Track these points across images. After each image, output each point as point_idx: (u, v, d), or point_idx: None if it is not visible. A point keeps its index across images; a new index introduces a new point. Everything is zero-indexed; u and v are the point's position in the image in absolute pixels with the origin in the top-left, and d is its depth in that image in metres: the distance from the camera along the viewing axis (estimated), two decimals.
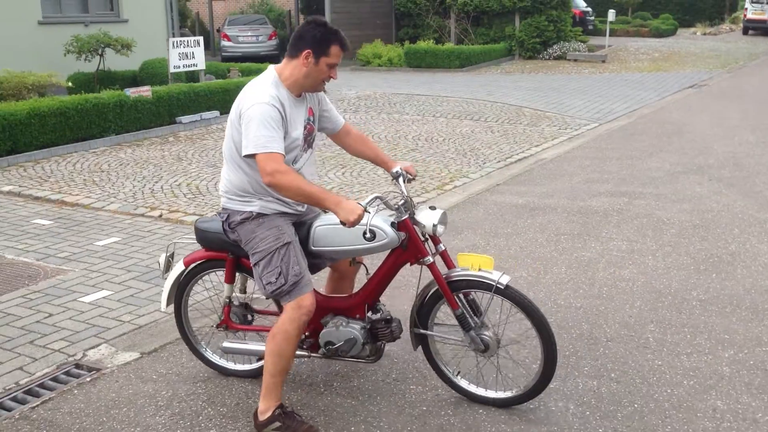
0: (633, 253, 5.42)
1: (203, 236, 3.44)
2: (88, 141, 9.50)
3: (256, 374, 3.60)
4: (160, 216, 6.53)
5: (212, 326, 3.74)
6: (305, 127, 3.22)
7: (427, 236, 3.24)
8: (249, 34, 22.24)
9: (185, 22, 27.04)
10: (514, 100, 13.63)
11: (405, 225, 3.17)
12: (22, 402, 3.50)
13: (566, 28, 21.95)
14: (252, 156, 2.98)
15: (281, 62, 3.20)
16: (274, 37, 22.57)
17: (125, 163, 8.58)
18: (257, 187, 3.15)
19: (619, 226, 6.09)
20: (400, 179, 3.27)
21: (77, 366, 3.85)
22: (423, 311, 3.35)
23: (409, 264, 3.26)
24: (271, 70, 3.19)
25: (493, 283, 3.14)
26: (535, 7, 21.09)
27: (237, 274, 3.50)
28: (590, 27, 27.60)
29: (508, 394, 3.35)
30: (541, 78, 17.40)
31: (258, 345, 3.53)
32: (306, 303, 3.10)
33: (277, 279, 3.08)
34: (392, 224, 3.15)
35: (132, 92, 10.24)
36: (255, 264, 3.16)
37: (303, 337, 3.34)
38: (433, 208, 3.27)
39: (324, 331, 3.33)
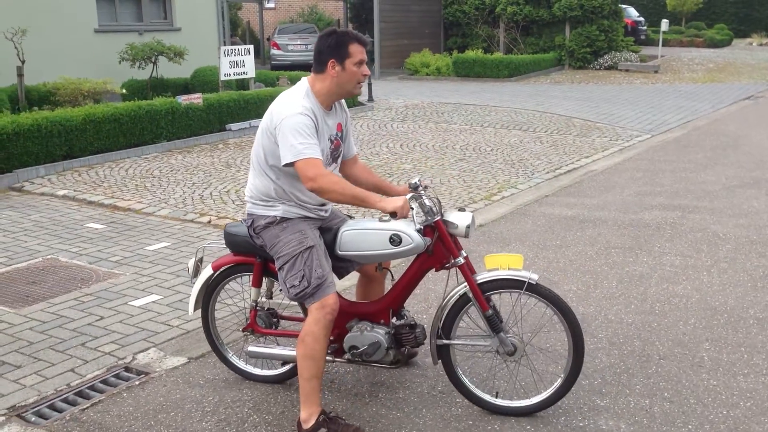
0: (687, 269, 5.27)
1: (232, 240, 3.50)
2: (141, 147, 9.68)
3: (280, 379, 3.68)
4: (209, 222, 6.60)
5: (239, 330, 3.78)
6: (332, 141, 3.30)
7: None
8: (298, 42, 22.48)
9: (236, 31, 27.51)
10: (564, 110, 13.47)
11: (437, 226, 3.18)
12: (73, 404, 3.55)
13: (618, 38, 21.65)
14: (291, 164, 3.05)
15: (305, 78, 3.30)
16: None
17: (176, 169, 8.72)
18: (281, 193, 3.24)
19: (672, 241, 5.94)
20: (419, 189, 3.22)
21: (127, 369, 3.90)
22: (447, 320, 3.32)
23: (434, 270, 3.29)
24: (304, 82, 3.27)
25: (525, 280, 3.14)
26: (586, 17, 20.85)
27: (264, 278, 3.54)
28: (642, 37, 27.17)
29: (534, 400, 3.33)
30: (591, 88, 17.17)
31: (283, 349, 3.57)
32: (329, 302, 3.14)
33: (300, 282, 3.13)
34: (418, 230, 3.15)
35: (183, 99, 10.42)
36: (279, 268, 3.22)
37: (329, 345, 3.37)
38: (461, 209, 3.28)
39: (348, 335, 3.35)
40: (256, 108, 11.36)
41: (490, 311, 3.22)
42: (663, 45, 23.78)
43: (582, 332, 3.21)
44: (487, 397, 3.38)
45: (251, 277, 3.53)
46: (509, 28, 22.16)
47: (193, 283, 3.68)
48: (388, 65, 21.13)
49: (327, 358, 3.36)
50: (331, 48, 3.18)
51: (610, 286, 4.97)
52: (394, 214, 3.08)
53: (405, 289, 3.34)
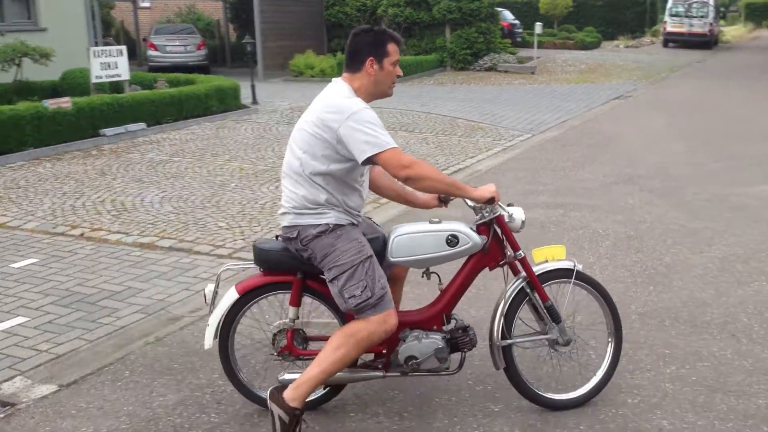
0: None
1: (266, 257, 3.22)
2: (4, 155, 8.99)
3: (318, 404, 3.38)
4: (82, 235, 6.17)
5: (271, 356, 3.39)
6: None
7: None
8: (177, 43, 21.71)
9: (109, 31, 26.25)
10: (448, 111, 13.65)
11: (498, 222, 3.19)
12: None
13: (496, 40, 22.25)
14: (372, 158, 2.93)
15: (339, 79, 3.16)
16: (203, 47, 22.09)
17: (44, 179, 8.14)
18: (331, 199, 3.08)
19: (556, 239, 6.05)
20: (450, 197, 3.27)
21: None
22: (508, 318, 3.27)
23: (488, 269, 3.27)
24: (340, 83, 3.13)
25: (573, 269, 3.27)
26: (465, 20, 21.30)
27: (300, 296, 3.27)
28: (519, 39, 28.09)
29: (582, 390, 3.41)
30: (473, 89, 17.53)
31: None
32: (392, 321, 3.05)
33: (362, 292, 2.99)
34: (472, 228, 3.17)
35: (50, 104, 9.77)
36: (334, 278, 3.03)
37: (373, 356, 3.27)
38: (510, 204, 3.28)
39: (404, 346, 3.18)
40: (132, 112, 10.82)
41: (550, 302, 3.27)
42: (538, 47, 24.67)
43: (621, 321, 3.39)
44: (550, 395, 3.40)
45: (288, 296, 3.25)
46: (391, 29, 22.30)
47: (212, 311, 3.27)
48: (271, 67, 20.76)
49: (376, 374, 3.26)
50: (369, 46, 3.11)
51: (496, 290, 4.99)
52: (491, 201, 3.06)
53: (458, 292, 3.26)
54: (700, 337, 4.17)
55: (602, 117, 13.26)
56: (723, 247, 5.73)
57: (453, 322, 3.26)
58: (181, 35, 22.32)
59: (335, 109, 3.00)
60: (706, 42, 30.37)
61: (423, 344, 3.16)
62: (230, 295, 3.23)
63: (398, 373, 3.26)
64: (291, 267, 3.19)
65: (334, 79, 3.17)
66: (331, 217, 3.07)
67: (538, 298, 3.28)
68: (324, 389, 3.33)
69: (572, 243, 5.92)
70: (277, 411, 2.98)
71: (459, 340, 3.23)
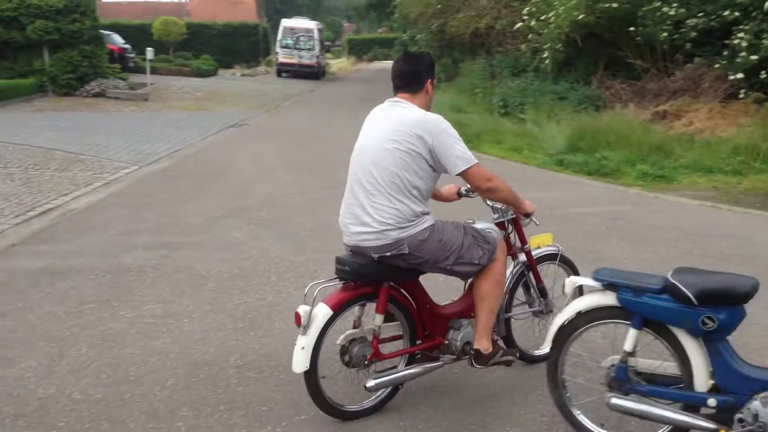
0: (168, 318, 4.83)
1: (363, 271, 3.38)
2: None
3: (382, 405, 3.63)
4: None
5: (367, 362, 3.46)
6: None
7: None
8: None
9: None
10: (44, 141, 12.15)
11: (513, 220, 3.92)
12: None
13: (103, 64, 20.77)
14: (464, 171, 3.32)
15: (399, 99, 3.47)
16: None
17: None
18: (425, 207, 3.39)
19: (154, 286, 5.46)
20: (474, 192, 3.81)
21: None
22: (509, 297, 3.99)
23: None
24: (407, 103, 3.44)
25: (558, 253, 4.14)
26: (66, 41, 19.48)
27: (361, 306, 3.52)
28: (131, 64, 26.73)
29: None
30: (78, 117, 16.01)
31: (405, 370, 3.55)
32: (503, 245, 3.70)
33: (483, 250, 3.49)
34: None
35: None
36: (456, 262, 3.43)
37: (429, 349, 3.64)
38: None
39: (461, 334, 3.63)
40: None
41: (543, 284, 4.09)
42: (152, 73, 23.70)
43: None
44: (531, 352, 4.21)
45: (375, 305, 3.44)
46: None
47: (306, 334, 3.29)
48: None
49: (437, 363, 3.64)
50: (428, 68, 3.54)
51: (79, 354, 4.23)
52: (530, 214, 3.81)
53: None
54: (299, 385, 3.91)
55: (216, 146, 13.00)
56: None
57: None
58: None
59: (426, 124, 3.32)
60: (315, 73, 32.46)
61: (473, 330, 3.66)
62: (324, 312, 3.33)
63: (452, 360, 3.67)
64: (383, 276, 3.42)
65: (391, 101, 3.48)
66: (429, 220, 3.40)
67: (533, 279, 4.04)
68: (388, 390, 3.57)
69: (172, 290, 5.37)
70: (496, 359, 3.57)
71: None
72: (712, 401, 3.00)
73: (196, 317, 4.85)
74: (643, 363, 3.22)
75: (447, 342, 3.64)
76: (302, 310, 3.30)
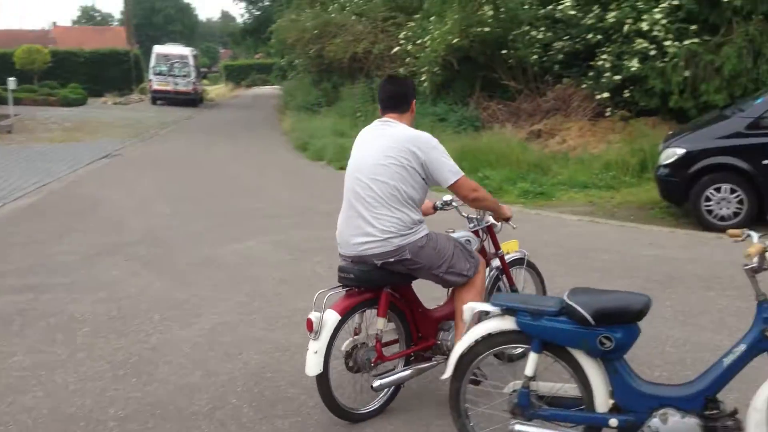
0: (38, 369, 4.41)
1: (367, 278, 3.63)
2: None
3: (386, 406, 3.86)
4: None
5: (372, 365, 3.72)
6: None
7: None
8: None
9: None
10: None
11: (488, 229, 4.20)
12: None
13: None
14: (454, 183, 3.66)
15: (388, 119, 3.76)
16: None
17: None
18: (420, 216, 3.73)
19: (22, 334, 5.00)
20: (448, 205, 4.23)
21: None
22: (487, 296, 3.99)
23: None
24: (396, 122, 3.73)
25: (524, 257, 4.41)
26: None
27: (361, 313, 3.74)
28: None
29: None
30: None
31: (405, 371, 3.81)
32: (481, 260, 3.94)
33: (470, 263, 3.80)
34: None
35: None
36: (447, 271, 3.72)
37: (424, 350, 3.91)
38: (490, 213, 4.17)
39: (451, 334, 3.89)
40: None
41: (515, 286, 4.34)
42: (16, 104, 22.30)
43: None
44: None
45: (376, 310, 3.71)
46: None
47: (317, 339, 3.51)
48: None
49: (432, 363, 3.90)
50: (412, 90, 3.90)
51: None
52: (508, 219, 4.07)
53: None
54: None
55: (88, 179, 12.31)
56: (212, 317, 5.39)
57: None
58: None
59: (418, 141, 3.62)
60: (192, 100, 31.63)
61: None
62: (333, 318, 3.54)
63: (444, 359, 3.78)
64: (387, 281, 3.70)
65: (381, 121, 3.76)
66: (424, 230, 3.69)
67: (506, 282, 4.27)
68: (391, 390, 3.84)
69: (43, 337, 4.93)
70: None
71: None
72: (613, 421, 3.00)
73: (70, 366, 4.46)
74: (545, 386, 3.19)
75: (439, 343, 3.93)
76: (314, 316, 3.54)
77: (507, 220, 4.09)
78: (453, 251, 3.74)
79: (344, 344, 3.68)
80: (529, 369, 3.10)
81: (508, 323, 3.16)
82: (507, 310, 3.15)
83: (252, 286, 6.12)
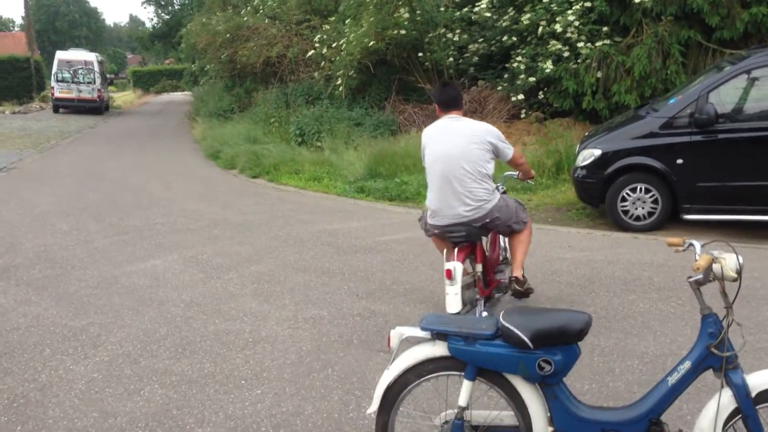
0: None
1: (469, 233, 4.83)
2: None
3: None
4: None
5: (477, 299, 4.93)
6: None
7: None
8: None
9: None
10: None
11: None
12: None
13: None
14: (512, 157, 4.98)
15: (456, 115, 4.96)
16: None
17: None
18: (494, 184, 5.02)
19: None
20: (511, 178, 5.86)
21: None
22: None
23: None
24: (464, 118, 4.96)
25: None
26: None
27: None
28: None
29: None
30: None
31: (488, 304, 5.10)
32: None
33: (525, 213, 5.17)
34: None
35: None
36: (516, 221, 5.04)
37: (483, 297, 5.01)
38: None
39: (506, 273, 5.38)
40: None
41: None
42: None
43: None
44: None
45: (475, 257, 4.98)
46: None
47: (453, 284, 4.63)
48: None
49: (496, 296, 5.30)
50: (461, 92, 5.47)
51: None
52: (532, 177, 5.55)
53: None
54: None
55: None
56: (111, 347, 4.89)
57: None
58: None
59: (492, 131, 4.87)
60: (97, 107, 30.28)
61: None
62: (459, 267, 4.71)
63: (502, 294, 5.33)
64: (475, 239, 4.95)
65: (450, 117, 4.92)
66: (498, 194, 5.00)
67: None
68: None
69: None
70: (526, 286, 5.11)
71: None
72: None
73: None
74: (479, 415, 2.92)
75: (501, 281, 5.32)
76: (451, 265, 4.63)
77: (532, 178, 5.49)
78: (515, 206, 5.07)
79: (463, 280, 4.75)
80: (462, 398, 2.83)
81: (439, 349, 2.87)
82: (437, 335, 2.86)
83: (157, 310, 5.64)
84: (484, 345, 2.77)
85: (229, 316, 5.47)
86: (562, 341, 2.72)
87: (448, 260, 4.76)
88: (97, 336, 5.07)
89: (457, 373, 2.88)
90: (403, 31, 13.76)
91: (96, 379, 4.38)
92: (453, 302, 4.60)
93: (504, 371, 2.79)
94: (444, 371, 2.93)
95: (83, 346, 4.91)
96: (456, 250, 4.79)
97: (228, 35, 19.94)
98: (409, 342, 2.99)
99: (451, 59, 13.75)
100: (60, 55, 30.99)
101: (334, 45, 15.13)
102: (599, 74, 11.47)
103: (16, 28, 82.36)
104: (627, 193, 8.15)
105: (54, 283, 6.40)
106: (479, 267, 4.97)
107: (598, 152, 8.32)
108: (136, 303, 5.82)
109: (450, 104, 4.92)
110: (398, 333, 2.96)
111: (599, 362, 4.51)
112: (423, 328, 2.89)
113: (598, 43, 11.62)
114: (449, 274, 4.62)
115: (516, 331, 2.70)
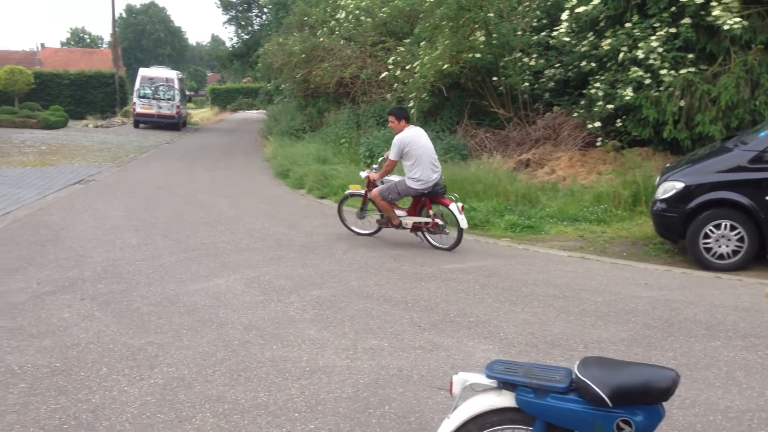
0: None
1: (433, 191, 8.45)
2: None
3: None
4: None
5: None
6: None
7: None
8: None
9: None
10: None
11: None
12: None
13: None
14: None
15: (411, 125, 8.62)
16: None
17: None
18: None
19: None
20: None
21: None
22: None
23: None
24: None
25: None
26: None
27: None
28: None
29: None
30: None
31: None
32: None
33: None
34: None
35: None
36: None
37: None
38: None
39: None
40: None
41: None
42: None
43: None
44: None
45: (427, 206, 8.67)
46: None
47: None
48: None
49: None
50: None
51: None
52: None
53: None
54: None
55: (56, 205, 11.70)
56: (167, 369, 4.80)
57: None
58: None
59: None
60: (175, 123, 31.14)
61: None
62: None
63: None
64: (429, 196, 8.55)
65: (411, 125, 8.71)
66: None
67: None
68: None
69: None
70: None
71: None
72: None
73: None
74: None
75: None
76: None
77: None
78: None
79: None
80: None
81: (505, 400, 2.64)
82: (505, 384, 2.63)
83: (216, 332, 5.55)
84: (556, 399, 2.52)
85: (287, 342, 5.33)
86: (644, 400, 2.45)
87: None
88: (154, 356, 5.00)
89: (525, 428, 2.63)
90: (478, 55, 13.57)
91: (149, 402, 4.28)
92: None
93: (577, 429, 2.53)
94: (510, 424, 2.69)
95: (140, 366, 4.84)
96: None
97: (303, 55, 20.17)
98: (473, 389, 2.77)
99: (526, 84, 13.48)
100: (143, 71, 32.02)
101: (407, 67, 15.06)
102: (682, 103, 10.98)
103: (104, 45, 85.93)
104: (710, 230, 7.70)
105: (118, 299, 6.40)
106: (429, 212, 8.59)
107: (680, 185, 7.90)
108: (195, 323, 5.75)
109: (408, 119, 8.70)
110: (461, 379, 2.74)
111: (679, 416, 4.16)
112: (489, 376, 2.66)
113: (683, 71, 11.14)
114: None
115: (593, 386, 2.44)
